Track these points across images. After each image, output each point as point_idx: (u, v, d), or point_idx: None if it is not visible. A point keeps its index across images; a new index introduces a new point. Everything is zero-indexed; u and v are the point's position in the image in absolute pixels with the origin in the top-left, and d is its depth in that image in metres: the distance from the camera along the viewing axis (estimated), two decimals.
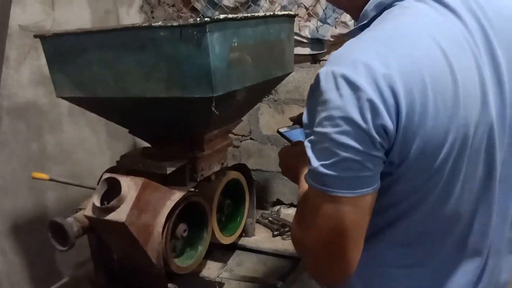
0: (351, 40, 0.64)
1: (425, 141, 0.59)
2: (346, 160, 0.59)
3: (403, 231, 0.70)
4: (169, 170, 1.25)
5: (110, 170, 1.32)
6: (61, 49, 1.24)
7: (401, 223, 0.69)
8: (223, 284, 1.37)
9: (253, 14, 1.25)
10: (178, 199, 1.24)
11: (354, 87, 0.57)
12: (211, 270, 1.42)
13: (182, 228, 1.29)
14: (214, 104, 1.12)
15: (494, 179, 0.69)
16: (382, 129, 0.58)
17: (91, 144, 2.01)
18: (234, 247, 1.56)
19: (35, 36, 1.25)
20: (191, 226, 1.33)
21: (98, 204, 1.15)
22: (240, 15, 1.15)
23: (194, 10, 2.00)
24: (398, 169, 0.63)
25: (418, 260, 0.72)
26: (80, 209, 1.24)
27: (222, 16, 1.08)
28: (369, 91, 0.56)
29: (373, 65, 0.57)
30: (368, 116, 0.57)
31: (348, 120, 0.58)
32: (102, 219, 1.14)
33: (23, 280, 1.75)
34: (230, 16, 1.11)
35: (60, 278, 1.42)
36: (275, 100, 1.94)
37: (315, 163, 0.61)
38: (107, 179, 1.18)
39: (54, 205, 1.83)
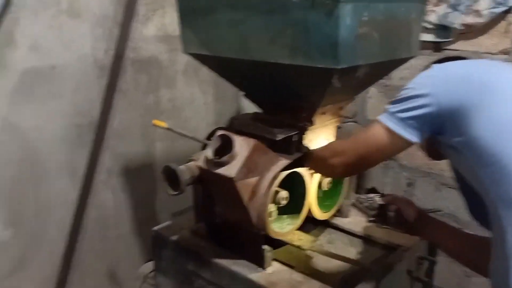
0: None
1: None
2: None
3: None
4: (279, 137, 1.27)
5: (221, 129, 1.37)
6: (194, 6, 1.30)
7: None
8: (312, 257, 1.38)
9: None
10: (283, 166, 1.26)
11: None
12: (302, 241, 1.43)
13: (282, 195, 1.31)
14: (336, 76, 1.11)
15: None
16: None
17: (199, 103, 2.11)
18: (326, 224, 1.56)
19: None
20: (291, 196, 1.35)
21: (211, 157, 1.20)
22: None
23: None
24: None
25: None
26: (191, 160, 1.31)
27: None
28: None
29: None
30: None
31: None
32: (212, 171, 1.19)
33: (126, 218, 1.92)
34: None
35: (157, 224, 1.53)
36: (386, 85, 1.87)
37: None
38: (221, 135, 1.23)
39: (161, 155, 1.97)
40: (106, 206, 1.82)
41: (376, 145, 1.00)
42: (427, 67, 1.01)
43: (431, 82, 0.94)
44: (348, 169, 1.11)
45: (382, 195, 1.37)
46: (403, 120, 0.95)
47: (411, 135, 0.95)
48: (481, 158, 0.86)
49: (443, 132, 0.94)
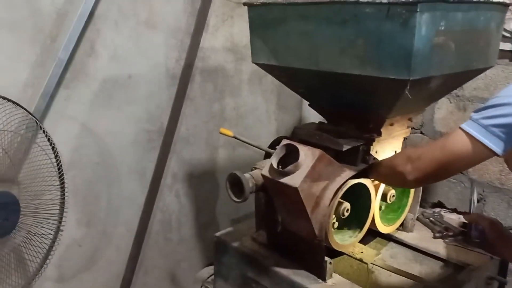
0: None
1: None
2: None
3: None
4: (345, 148, 1.25)
5: (284, 138, 1.37)
6: (265, 18, 1.32)
7: None
8: (373, 272, 1.34)
9: None
10: (348, 177, 1.24)
11: None
12: (364, 255, 1.40)
13: (345, 207, 1.29)
14: (408, 87, 1.08)
15: None
16: None
17: (261, 112, 2.14)
18: (388, 238, 1.51)
19: (244, 4, 1.35)
20: (352, 207, 1.33)
21: (275, 166, 1.21)
22: None
23: None
24: None
25: None
26: (255, 168, 1.33)
27: None
28: None
29: None
30: None
31: None
32: (276, 180, 1.20)
33: (188, 222, 1.98)
34: None
35: (217, 230, 1.57)
36: (457, 96, 1.79)
37: None
38: (286, 145, 1.24)
39: (223, 162, 2.01)
40: (170, 209, 1.89)
41: (455, 153, 0.95)
42: None
43: None
44: (421, 177, 1.04)
45: (465, 213, 1.31)
46: (486, 127, 0.90)
47: (493, 144, 0.90)
48: None
49: None
